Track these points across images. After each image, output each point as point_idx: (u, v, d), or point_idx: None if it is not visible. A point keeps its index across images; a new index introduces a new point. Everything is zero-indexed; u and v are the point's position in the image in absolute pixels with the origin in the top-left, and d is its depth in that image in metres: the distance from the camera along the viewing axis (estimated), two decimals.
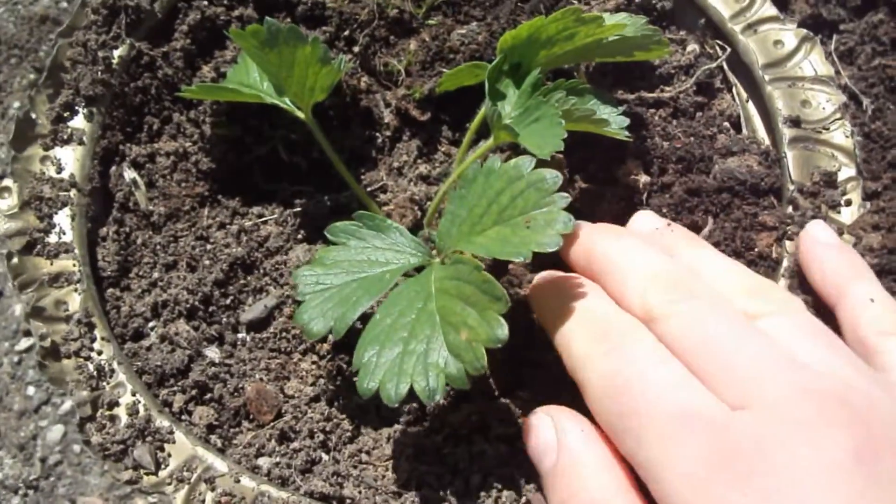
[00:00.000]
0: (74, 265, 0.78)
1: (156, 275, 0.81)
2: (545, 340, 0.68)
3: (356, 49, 0.87)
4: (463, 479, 0.71)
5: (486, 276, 0.57)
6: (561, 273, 0.69)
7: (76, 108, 0.83)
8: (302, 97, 0.74)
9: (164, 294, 0.80)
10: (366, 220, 0.68)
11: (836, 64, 0.94)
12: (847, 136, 0.82)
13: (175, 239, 0.83)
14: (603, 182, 0.82)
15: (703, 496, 0.51)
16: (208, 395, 0.77)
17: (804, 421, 0.52)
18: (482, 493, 0.70)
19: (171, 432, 0.73)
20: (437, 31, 0.86)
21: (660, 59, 0.87)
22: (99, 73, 0.82)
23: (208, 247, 0.82)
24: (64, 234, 0.79)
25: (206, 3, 0.86)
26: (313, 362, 0.78)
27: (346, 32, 0.87)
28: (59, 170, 0.81)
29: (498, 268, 0.77)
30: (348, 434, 0.75)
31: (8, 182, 0.79)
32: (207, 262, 0.81)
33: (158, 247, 0.82)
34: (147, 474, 0.72)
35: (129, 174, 0.83)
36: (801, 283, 0.77)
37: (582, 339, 0.61)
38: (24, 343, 1.32)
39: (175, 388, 0.77)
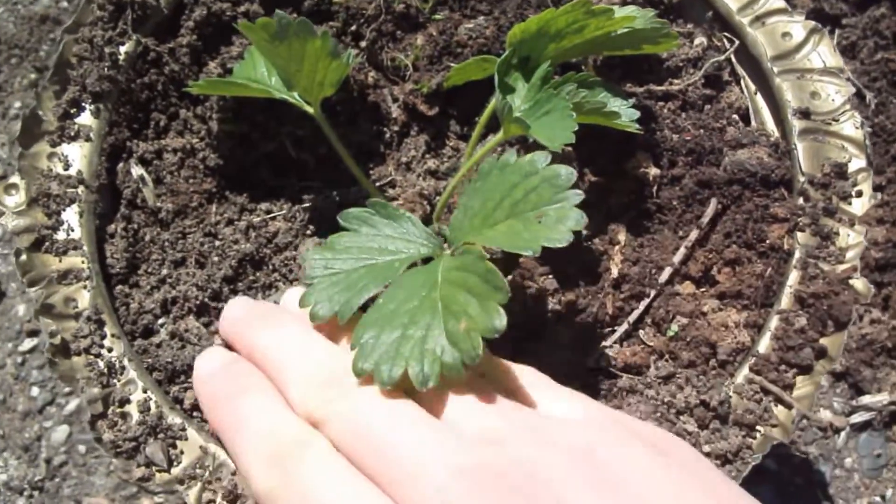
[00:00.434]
0: (83, 262, 0.78)
1: (164, 271, 0.81)
2: (545, 333, 0.68)
3: (363, 44, 0.86)
4: None
5: (489, 265, 0.57)
6: (221, 357, 0.65)
7: (83, 104, 0.82)
8: (311, 91, 0.74)
9: (173, 291, 0.79)
10: (379, 207, 0.68)
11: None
12: (857, 128, 0.82)
13: (183, 235, 0.82)
14: (612, 175, 0.82)
15: None
16: None
17: None
18: None
19: (184, 429, 0.73)
20: (444, 25, 0.86)
21: (668, 53, 0.87)
22: (105, 69, 0.82)
23: (217, 243, 0.81)
24: (72, 230, 0.79)
25: None
26: None
27: (353, 27, 0.87)
28: (67, 166, 0.81)
29: (509, 261, 0.77)
30: None
31: (15, 179, 0.79)
32: (216, 259, 0.81)
33: (167, 243, 0.81)
34: (159, 471, 0.71)
35: (137, 171, 0.83)
36: (810, 277, 0.77)
37: (258, 468, 0.56)
38: (28, 343, 1.31)
39: (186, 385, 0.76)
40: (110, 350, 0.75)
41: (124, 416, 0.73)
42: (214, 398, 0.61)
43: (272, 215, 0.83)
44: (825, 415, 1.22)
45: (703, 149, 0.82)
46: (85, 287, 0.77)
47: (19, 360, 1.31)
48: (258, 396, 0.59)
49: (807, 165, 0.81)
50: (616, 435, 0.54)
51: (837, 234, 0.79)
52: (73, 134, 0.81)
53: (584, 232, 0.59)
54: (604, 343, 0.77)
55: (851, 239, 0.78)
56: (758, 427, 0.73)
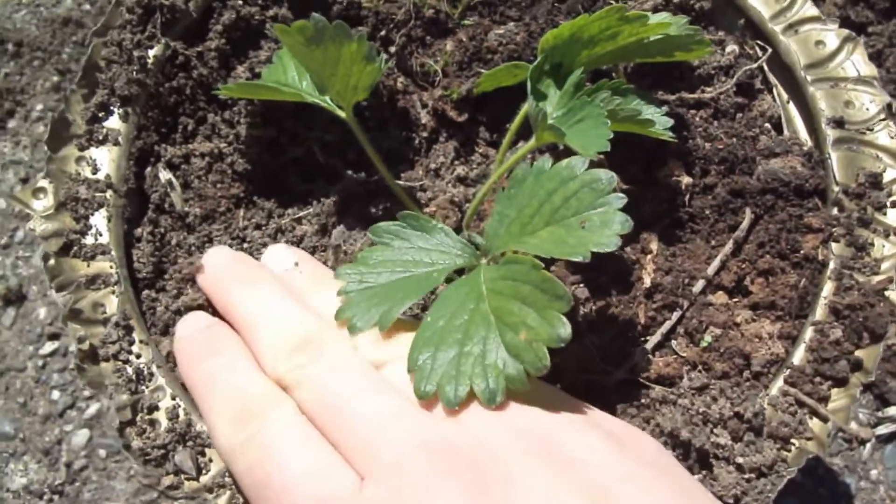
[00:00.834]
0: (111, 267, 0.77)
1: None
2: (576, 343, 0.67)
3: (392, 49, 0.86)
4: None
5: (545, 274, 0.56)
6: (201, 321, 0.67)
7: (111, 108, 0.82)
8: (344, 96, 0.73)
9: (199, 296, 0.79)
10: (410, 220, 0.67)
11: None
12: (892, 137, 0.81)
13: (210, 240, 0.82)
14: (644, 183, 0.81)
15: None
16: None
17: (419, 479, 0.51)
18: None
19: None
20: (474, 31, 0.85)
21: (699, 60, 0.86)
22: (134, 72, 0.82)
23: (244, 246, 0.81)
24: (100, 235, 0.78)
25: (240, 2, 0.85)
26: None
27: (383, 32, 0.86)
28: (95, 170, 0.80)
29: None
30: None
31: (44, 183, 0.79)
32: None
33: (194, 248, 0.81)
34: (188, 480, 0.71)
35: (165, 175, 0.82)
36: (845, 288, 0.76)
37: (223, 425, 0.59)
38: (49, 347, 1.31)
39: None
40: (139, 356, 0.75)
41: (153, 423, 0.72)
42: (190, 358, 0.64)
43: (299, 216, 0.82)
44: (851, 426, 1.21)
45: (735, 157, 0.81)
46: (113, 292, 0.77)
47: (40, 363, 1.31)
48: (229, 358, 0.61)
49: (841, 175, 0.80)
50: (576, 422, 0.56)
51: (872, 244, 0.78)
52: (101, 138, 0.81)
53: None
54: (636, 353, 0.76)
55: (887, 250, 0.77)
56: (793, 440, 0.72)
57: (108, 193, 0.79)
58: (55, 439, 1.26)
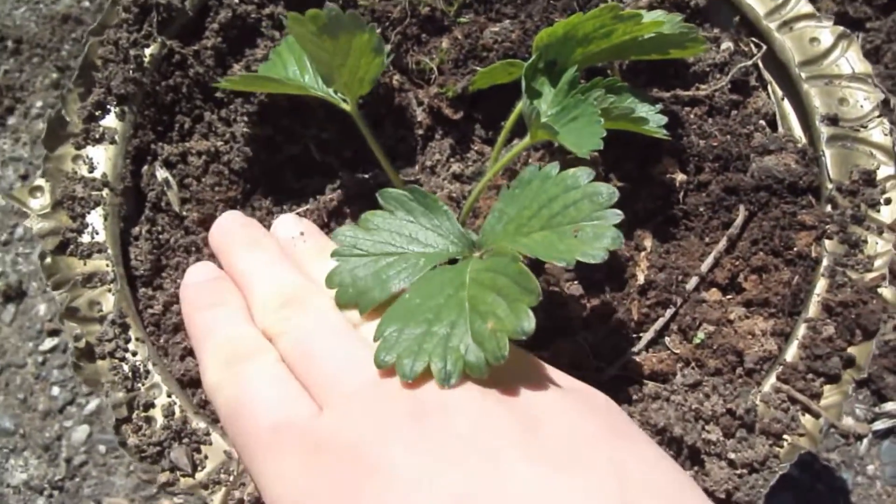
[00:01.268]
0: (108, 265, 0.78)
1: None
2: (570, 339, 0.68)
3: (388, 47, 0.86)
4: None
5: (521, 267, 0.57)
6: (208, 272, 0.71)
7: (108, 106, 0.82)
8: (351, 88, 0.74)
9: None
10: (418, 194, 0.67)
11: None
12: (886, 135, 0.81)
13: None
14: (638, 180, 0.82)
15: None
16: None
17: (369, 405, 0.55)
18: None
19: (208, 434, 0.73)
20: (470, 29, 0.86)
21: (694, 57, 0.86)
22: (130, 71, 0.82)
23: None
24: (97, 233, 0.79)
25: (236, 1, 0.85)
26: None
27: (378, 30, 0.86)
28: (92, 169, 0.80)
29: (535, 267, 0.77)
30: None
31: (40, 181, 0.79)
32: None
33: (192, 246, 0.81)
34: (184, 476, 0.71)
35: (161, 173, 0.83)
36: (838, 285, 0.76)
37: (213, 365, 0.63)
38: (49, 343, 1.32)
39: None
40: (135, 354, 0.75)
41: (149, 420, 0.73)
42: (193, 306, 0.68)
43: (298, 211, 0.82)
44: (847, 422, 1.21)
45: (729, 155, 0.82)
46: (109, 290, 0.77)
47: (40, 359, 1.31)
48: (228, 309, 0.66)
49: (835, 172, 0.80)
50: (528, 374, 0.59)
51: (866, 242, 0.78)
52: (97, 136, 0.81)
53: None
54: (630, 350, 0.77)
55: (880, 247, 0.78)
56: (785, 436, 0.73)
57: (105, 192, 0.80)
58: (55, 435, 1.27)
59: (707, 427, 0.73)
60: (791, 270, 0.78)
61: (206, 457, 0.72)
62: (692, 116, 0.84)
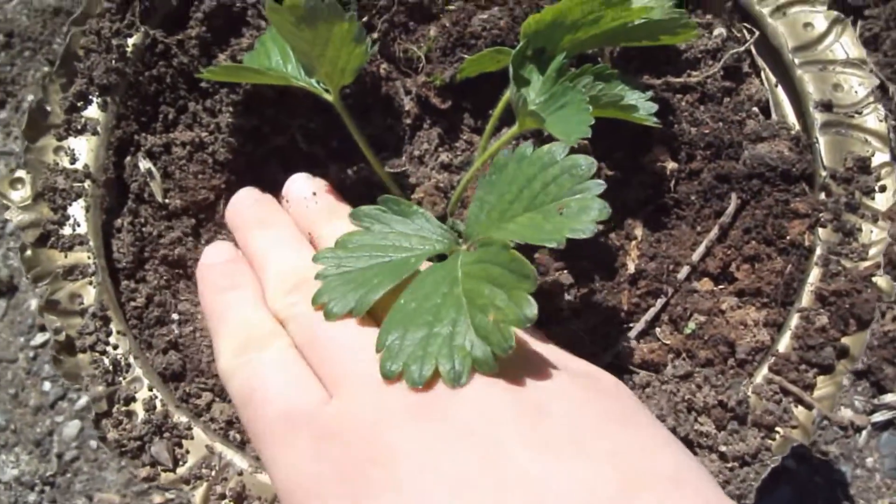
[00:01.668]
0: (89, 257, 0.77)
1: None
2: (560, 329, 0.67)
3: (375, 35, 0.85)
4: None
5: (514, 254, 0.56)
6: (224, 253, 0.71)
7: (90, 97, 0.81)
8: (332, 78, 0.73)
9: (181, 285, 0.78)
10: (391, 204, 0.66)
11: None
12: (880, 121, 0.80)
13: (191, 230, 0.81)
14: (629, 169, 0.80)
15: (313, 496, 0.54)
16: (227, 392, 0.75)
17: (375, 392, 0.56)
18: None
19: (189, 428, 0.71)
20: (458, 16, 0.84)
21: (686, 44, 0.85)
22: (113, 61, 0.81)
23: (228, 236, 0.80)
24: (78, 225, 0.77)
25: None
26: None
27: (365, 18, 0.85)
28: (73, 160, 0.79)
29: (524, 255, 0.76)
30: None
31: (21, 173, 0.78)
32: None
33: (174, 237, 0.80)
34: (164, 471, 0.70)
35: (145, 164, 0.81)
36: (832, 274, 0.75)
37: (227, 349, 0.64)
38: (40, 338, 1.31)
39: (194, 383, 0.75)
40: (116, 347, 0.74)
41: (129, 414, 0.72)
42: (210, 286, 0.69)
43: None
44: (846, 413, 1.20)
45: (722, 142, 0.80)
46: (91, 283, 0.76)
47: (31, 354, 1.30)
48: (243, 293, 0.67)
49: (829, 159, 0.79)
50: (538, 361, 0.59)
51: (860, 230, 0.77)
52: (79, 127, 0.80)
53: (600, 227, 0.58)
54: (620, 339, 0.75)
55: (875, 235, 0.76)
56: (777, 428, 0.72)
57: (87, 183, 0.79)
58: (46, 430, 1.26)
59: (699, 419, 0.72)
60: (784, 259, 0.77)
61: (187, 451, 0.71)
62: (684, 104, 0.83)
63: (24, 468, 1.24)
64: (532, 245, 0.58)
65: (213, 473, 0.69)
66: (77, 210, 0.78)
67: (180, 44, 0.83)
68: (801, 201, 0.78)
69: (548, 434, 0.52)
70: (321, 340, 0.60)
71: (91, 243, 0.77)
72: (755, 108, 0.84)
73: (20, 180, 0.78)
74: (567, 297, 0.75)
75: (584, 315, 0.75)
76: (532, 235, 0.58)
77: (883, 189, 0.78)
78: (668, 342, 0.76)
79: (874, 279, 0.75)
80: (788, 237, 0.77)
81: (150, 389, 0.73)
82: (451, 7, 0.86)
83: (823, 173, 0.79)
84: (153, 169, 0.81)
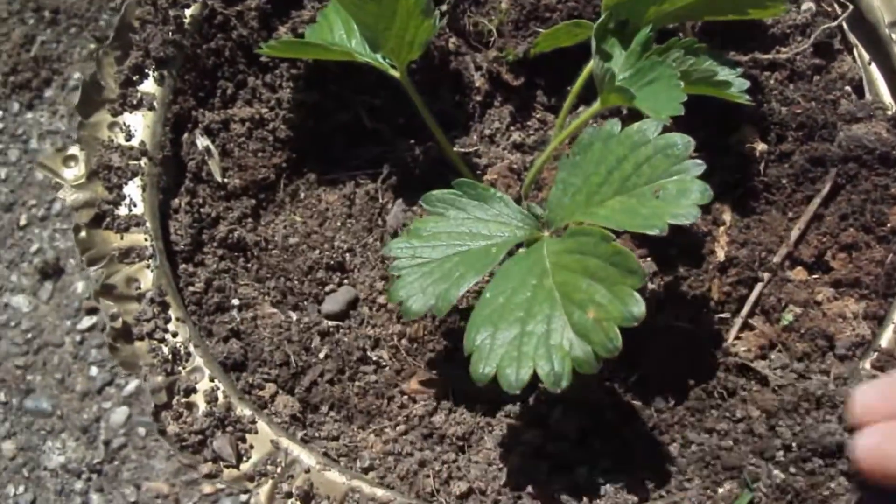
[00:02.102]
0: (146, 239, 0.73)
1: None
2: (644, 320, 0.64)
3: (444, 7, 0.81)
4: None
5: (617, 247, 0.52)
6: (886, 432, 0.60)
7: (146, 70, 0.78)
8: (399, 53, 0.70)
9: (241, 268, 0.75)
10: (467, 188, 0.63)
11: None
12: None
13: (251, 211, 0.78)
14: (715, 150, 0.76)
15: None
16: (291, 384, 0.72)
17: None
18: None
19: (254, 422, 0.68)
20: None
21: (773, 19, 0.80)
22: (170, 33, 0.77)
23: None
24: (135, 205, 0.74)
25: None
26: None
27: None
28: (129, 137, 0.76)
29: None
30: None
31: (74, 150, 0.74)
32: None
33: (235, 219, 0.77)
34: (227, 467, 0.66)
35: (202, 142, 0.78)
36: None
37: None
38: (87, 322, 1.28)
39: (256, 373, 0.72)
40: (175, 335, 0.70)
41: (190, 406, 0.68)
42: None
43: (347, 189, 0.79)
44: None
45: (814, 123, 0.76)
46: (148, 266, 0.72)
47: (78, 338, 1.28)
48: None
49: None
50: None
51: None
52: (135, 102, 0.77)
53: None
54: (711, 331, 0.72)
55: None
56: None
57: (143, 161, 0.75)
58: (93, 417, 1.24)
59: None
60: (884, 248, 0.73)
61: (251, 446, 0.67)
62: (772, 82, 0.79)
63: (70, 455, 1.22)
64: (618, 231, 0.55)
65: (279, 470, 0.66)
66: (133, 189, 0.74)
67: (239, 15, 0.81)
68: None
69: None
70: None
71: (148, 224, 0.73)
72: (848, 87, 0.80)
73: (73, 157, 0.74)
74: (651, 286, 0.71)
75: (670, 305, 0.71)
76: (627, 221, 0.55)
77: None
78: (762, 333, 0.72)
79: None
80: (889, 224, 0.73)
81: (212, 380, 0.69)
82: None
83: None
84: (211, 146, 0.78)
